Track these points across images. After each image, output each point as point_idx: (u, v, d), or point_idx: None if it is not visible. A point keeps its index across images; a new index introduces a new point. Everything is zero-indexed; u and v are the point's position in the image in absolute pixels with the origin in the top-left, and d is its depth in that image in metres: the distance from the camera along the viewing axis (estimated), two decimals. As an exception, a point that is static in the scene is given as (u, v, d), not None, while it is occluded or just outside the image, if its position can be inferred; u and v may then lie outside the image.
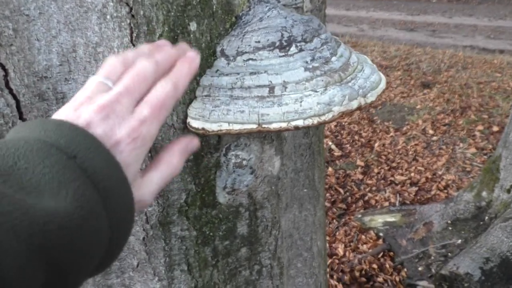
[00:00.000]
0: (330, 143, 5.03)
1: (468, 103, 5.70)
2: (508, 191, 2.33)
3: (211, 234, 0.77)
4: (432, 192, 4.08)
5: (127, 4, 0.57)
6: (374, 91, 0.66)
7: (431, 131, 5.13)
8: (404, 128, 5.25)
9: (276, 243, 0.88)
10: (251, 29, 0.63)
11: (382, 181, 4.30)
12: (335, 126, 5.42)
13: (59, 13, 0.58)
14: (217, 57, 0.66)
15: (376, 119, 5.49)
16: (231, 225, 0.79)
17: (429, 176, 4.33)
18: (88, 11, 0.58)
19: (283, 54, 0.61)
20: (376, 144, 4.93)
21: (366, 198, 4.07)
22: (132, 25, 0.59)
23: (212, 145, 0.72)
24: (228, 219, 0.79)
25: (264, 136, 0.78)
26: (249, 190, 0.79)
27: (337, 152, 4.81)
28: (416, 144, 4.90)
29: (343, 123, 5.45)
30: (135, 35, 0.59)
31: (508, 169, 2.22)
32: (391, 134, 5.14)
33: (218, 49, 0.65)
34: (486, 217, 2.49)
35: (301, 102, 0.58)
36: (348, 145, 4.95)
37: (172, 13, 0.60)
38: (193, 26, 0.62)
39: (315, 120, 0.58)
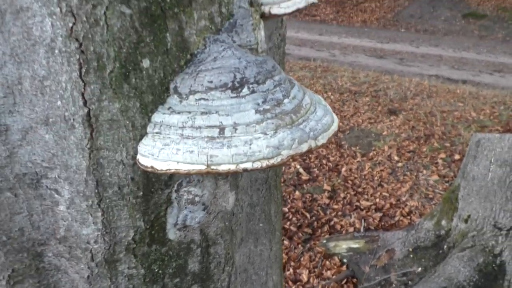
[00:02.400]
0: (298, 166, 5.07)
1: (432, 131, 5.90)
2: (466, 221, 2.39)
3: (160, 271, 0.76)
4: (396, 218, 4.15)
5: (77, 40, 0.57)
6: (325, 133, 0.67)
7: (396, 158, 5.26)
8: (371, 154, 5.36)
9: (229, 280, 0.87)
10: (204, 68, 0.63)
11: (348, 206, 4.35)
12: (304, 149, 5.46)
13: (5, 45, 0.57)
14: (170, 94, 0.65)
15: (344, 144, 5.59)
16: (182, 262, 0.78)
17: (393, 202, 4.42)
18: (36, 44, 0.57)
19: (235, 95, 0.61)
20: (343, 169, 5.01)
21: (332, 223, 4.11)
22: (81, 60, 0.58)
23: (163, 181, 0.70)
24: (179, 256, 0.77)
25: (218, 172, 0.77)
26: (201, 226, 0.78)
27: (305, 176, 4.85)
28: (381, 170, 5.00)
29: (312, 147, 5.50)
30: (84, 70, 0.58)
31: (466, 199, 2.29)
32: (358, 159, 5.24)
33: (172, 86, 0.65)
34: (445, 246, 2.55)
35: (250, 144, 0.58)
36: (316, 169, 5.00)
37: (124, 50, 0.60)
38: (145, 63, 0.62)
39: (264, 163, 0.58)
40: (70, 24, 0.56)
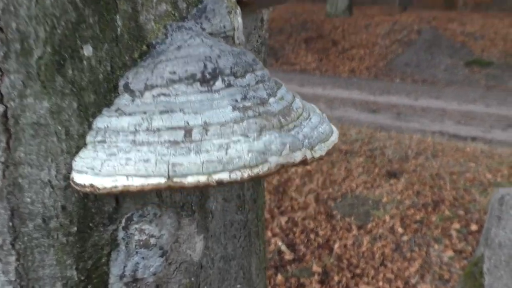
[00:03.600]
0: (279, 243, 4.96)
1: (441, 197, 5.96)
2: (495, 300, 2.34)
3: None
4: (405, 306, 4.06)
5: (-5, 13, 0.53)
6: (323, 143, 0.64)
7: (400, 230, 5.24)
8: (369, 226, 5.33)
9: None
10: (165, 58, 0.60)
11: (344, 292, 4.23)
12: (286, 222, 5.40)
13: None
14: (119, 93, 0.62)
15: (335, 214, 5.55)
16: (130, 333, 0.70)
17: (401, 286, 4.33)
18: None
19: (206, 89, 0.58)
20: (336, 245, 4.93)
21: (325, 315, 3.96)
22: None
23: (107, 213, 0.64)
24: (126, 324, 0.69)
25: (181, 206, 0.72)
26: (158, 281, 0.71)
27: (289, 255, 4.74)
28: (383, 245, 4.95)
29: (296, 219, 5.45)
30: (2, 54, 0.54)
31: (493, 272, 2.25)
32: (354, 232, 5.19)
33: (121, 83, 0.61)
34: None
35: (227, 149, 0.54)
36: (302, 246, 4.90)
37: (59, 31, 0.56)
38: (87, 51, 0.59)
39: (246, 173, 0.53)
40: (-12, -7, 0.53)
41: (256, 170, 0.54)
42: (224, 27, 0.66)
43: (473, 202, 5.93)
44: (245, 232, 0.88)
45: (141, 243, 0.68)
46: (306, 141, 0.61)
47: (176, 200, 0.71)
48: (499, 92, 12.76)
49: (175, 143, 0.55)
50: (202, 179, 0.53)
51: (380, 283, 4.46)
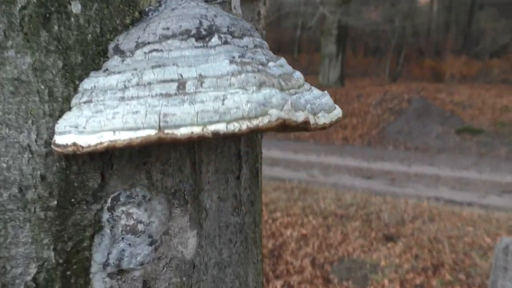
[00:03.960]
0: (274, 309, 4.77)
1: (441, 260, 5.81)
2: None
3: None
4: None
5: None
6: (327, 114, 0.59)
7: (400, 294, 5.06)
8: (368, 290, 5.15)
9: None
10: (158, 18, 0.57)
11: None
12: (282, 286, 5.22)
13: None
14: (108, 57, 0.58)
15: (332, 278, 5.37)
16: (112, 334, 0.61)
17: None
18: None
19: (201, 45, 0.54)
20: (334, 310, 4.73)
21: None
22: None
23: (91, 189, 0.58)
24: (108, 323, 0.61)
25: (173, 193, 0.66)
26: (145, 276, 0.64)
27: (284, 321, 4.53)
28: (384, 311, 4.76)
29: (292, 283, 5.27)
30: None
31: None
32: (352, 297, 5.00)
33: (111, 45, 0.58)
34: None
35: (223, 100, 0.50)
36: (298, 311, 4.70)
37: (46, -16, 0.53)
38: (75, 8, 0.55)
39: (244, 125, 0.48)
40: None
41: (255, 122, 0.49)
42: (220, -5, 0.63)
43: (474, 266, 5.79)
44: (242, 237, 0.81)
45: (128, 228, 0.62)
46: (309, 106, 0.57)
47: (167, 186, 0.66)
48: (491, 159, 12.84)
49: (167, 95, 0.51)
50: (197, 130, 0.48)
51: None
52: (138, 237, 0.62)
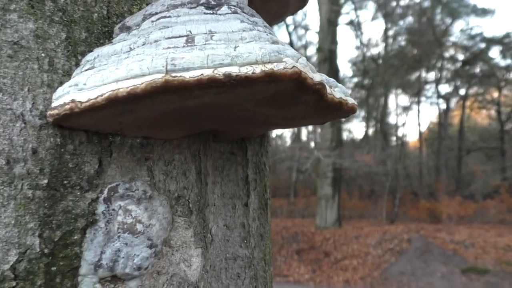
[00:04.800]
0: None
1: None
2: None
3: None
4: None
5: None
6: (344, 93, 0.56)
7: None
8: None
9: None
10: (166, -3, 0.56)
11: None
12: None
13: None
14: (113, 37, 0.56)
15: None
16: None
17: None
18: None
19: (210, 12, 0.52)
20: None
21: None
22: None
23: (87, 174, 0.52)
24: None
25: (176, 198, 0.60)
26: (141, 284, 0.54)
27: None
28: None
29: None
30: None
31: None
32: None
33: (117, 26, 0.56)
34: None
35: (235, 47, 0.46)
36: None
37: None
38: None
39: (258, 68, 0.45)
40: None
41: (270, 66, 0.45)
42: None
43: None
44: (251, 273, 0.71)
45: (125, 226, 0.54)
46: (324, 78, 0.54)
47: (170, 189, 0.59)
48: (502, 300, 12.26)
49: (175, 47, 0.48)
50: (207, 72, 0.44)
51: None
52: (136, 237, 0.54)
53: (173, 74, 0.44)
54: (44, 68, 0.51)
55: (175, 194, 0.59)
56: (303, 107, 0.54)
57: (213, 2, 0.53)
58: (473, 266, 14.04)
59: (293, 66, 0.46)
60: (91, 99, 0.45)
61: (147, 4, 0.60)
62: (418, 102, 23.05)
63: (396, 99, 24.90)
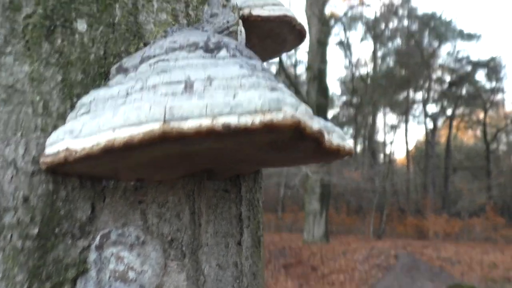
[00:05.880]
0: None
1: None
2: None
3: None
4: None
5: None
6: (340, 136, 0.55)
7: None
8: None
9: None
10: (165, 38, 0.55)
11: None
12: None
13: None
14: (110, 79, 0.54)
15: None
16: None
17: None
18: None
19: (210, 55, 0.51)
20: None
21: None
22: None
23: (79, 221, 0.50)
24: None
25: (170, 242, 0.58)
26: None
27: None
28: None
29: None
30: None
31: None
32: None
33: (114, 67, 0.54)
34: None
35: (234, 96, 0.45)
36: None
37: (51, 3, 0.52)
38: (81, 26, 0.53)
39: (258, 118, 0.43)
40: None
41: (269, 116, 0.44)
42: (228, 22, 0.62)
43: None
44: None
45: (117, 274, 0.52)
46: (322, 123, 0.53)
47: (163, 232, 0.57)
48: (488, 318, 12.25)
49: (173, 94, 0.46)
50: (206, 122, 0.42)
51: None
52: (128, 286, 0.52)
53: (172, 124, 0.42)
54: (38, 112, 0.49)
55: (169, 238, 0.57)
56: (301, 152, 0.53)
57: (211, 46, 0.52)
58: (459, 282, 14.01)
59: (292, 115, 0.45)
60: (86, 148, 0.43)
61: (144, 44, 0.58)
62: (406, 121, 23.23)
63: (384, 118, 25.08)
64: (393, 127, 24.00)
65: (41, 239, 0.47)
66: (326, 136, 0.50)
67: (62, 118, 0.49)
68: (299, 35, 0.75)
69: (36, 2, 0.50)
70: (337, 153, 0.54)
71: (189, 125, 0.42)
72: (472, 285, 13.66)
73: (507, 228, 20.43)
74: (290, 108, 0.45)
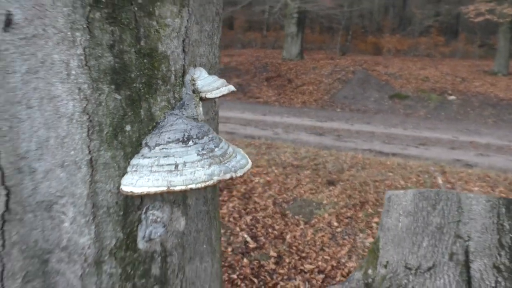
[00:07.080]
0: (245, 235, 5.36)
1: (366, 199, 6.48)
2: (385, 266, 2.79)
3: (132, 272, 1.07)
4: (337, 279, 4.49)
5: (87, 114, 0.95)
6: (242, 169, 1.07)
7: (335, 224, 5.71)
8: (313, 221, 5.78)
9: (181, 285, 1.19)
10: (165, 130, 1.03)
11: (293, 270, 4.64)
12: (250, 220, 5.80)
13: (41, 118, 0.93)
14: (142, 147, 1.03)
15: (288, 213, 5.98)
16: (147, 267, 1.10)
17: (334, 264, 4.78)
18: (61, 116, 0.94)
19: (184, 145, 1.00)
20: (288, 236, 5.35)
21: (278, 287, 4.36)
22: (89, 126, 0.95)
23: (136, 205, 1.05)
24: (145, 262, 1.09)
25: (173, 201, 1.13)
26: (161, 240, 1.12)
27: (252, 244, 5.13)
28: (323, 235, 5.40)
29: (258, 217, 5.85)
30: (90, 132, 0.95)
31: (384, 247, 2.69)
32: (301, 226, 5.63)
33: (143, 142, 1.03)
34: (372, 291, 2.91)
35: (194, 174, 0.96)
36: (262, 237, 5.31)
37: (115, 120, 0.98)
38: (128, 128, 1.00)
39: (202, 185, 0.96)
40: (84, 105, 0.94)
41: (207, 183, 0.96)
42: (193, 114, 1.08)
43: (389, 202, 6.39)
44: (208, 216, 1.29)
45: (153, 220, 1.09)
46: (233, 168, 1.04)
47: (170, 199, 1.12)
48: (413, 119, 13.54)
49: (170, 171, 0.97)
50: (183, 187, 0.95)
51: (320, 263, 4.89)
52: (157, 224, 1.09)
53: (170, 188, 0.95)
54: (116, 169, 1.00)
55: (173, 200, 1.13)
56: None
57: (185, 139, 1.00)
58: (398, 93, 15.02)
59: (217, 180, 0.96)
60: (138, 193, 0.96)
61: (156, 123, 1.05)
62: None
63: None
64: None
65: (123, 215, 1.02)
66: (234, 176, 1.02)
67: (125, 169, 1.01)
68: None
69: (109, 125, 0.97)
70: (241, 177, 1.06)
71: (176, 189, 0.94)
72: (407, 94, 14.68)
73: (445, 46, 20.78)
74: (216, 177, 0.96)
